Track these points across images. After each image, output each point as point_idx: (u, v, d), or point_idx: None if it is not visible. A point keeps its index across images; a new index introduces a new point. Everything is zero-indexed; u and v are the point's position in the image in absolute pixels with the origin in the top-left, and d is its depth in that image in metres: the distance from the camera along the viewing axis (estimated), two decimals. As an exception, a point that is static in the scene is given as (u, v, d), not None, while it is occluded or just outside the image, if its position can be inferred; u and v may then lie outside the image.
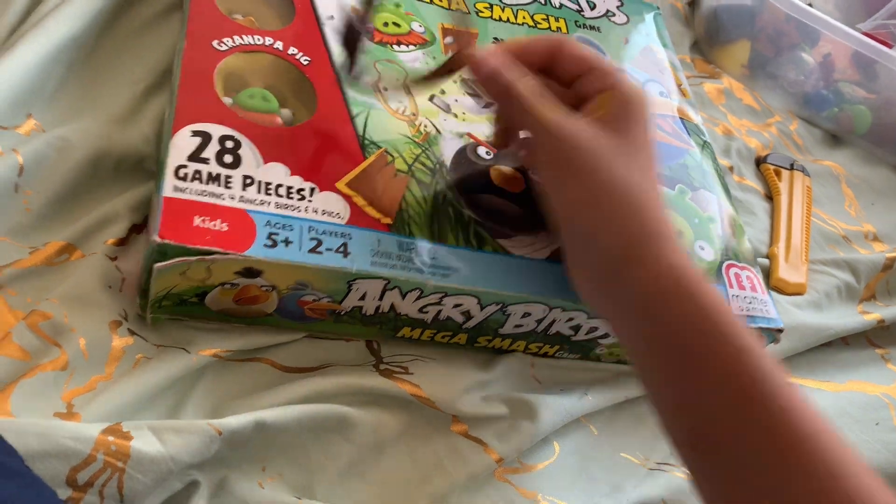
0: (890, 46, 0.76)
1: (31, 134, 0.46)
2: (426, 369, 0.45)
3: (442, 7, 0.57)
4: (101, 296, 0.41)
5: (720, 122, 0.73)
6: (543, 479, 0.46)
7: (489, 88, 0.41)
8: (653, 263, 0.36)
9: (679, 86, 0.63)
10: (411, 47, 0.54)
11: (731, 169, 0.70)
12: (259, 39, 0.48)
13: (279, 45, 0.49)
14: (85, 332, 0.40)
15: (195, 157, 0.41)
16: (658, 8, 0.70)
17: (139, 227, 0.45)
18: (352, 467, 0.42)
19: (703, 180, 0.56)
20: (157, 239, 0.38)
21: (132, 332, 0.41)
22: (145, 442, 0.36)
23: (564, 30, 0.61)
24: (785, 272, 0.64)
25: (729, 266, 0.51)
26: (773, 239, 0.67)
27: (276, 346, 0.44)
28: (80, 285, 0.41)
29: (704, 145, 0.59)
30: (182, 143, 0.42)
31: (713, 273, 0.51)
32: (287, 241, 0.40)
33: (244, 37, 0.48)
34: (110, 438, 0.36)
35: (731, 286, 0.50)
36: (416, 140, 0.48)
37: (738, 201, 0.66)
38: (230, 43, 0.47)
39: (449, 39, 0.56)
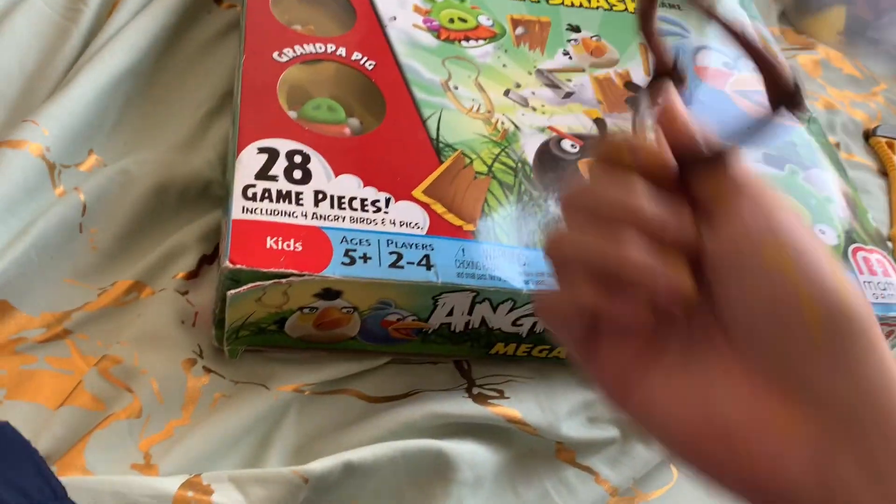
0: None
1: (92, 170, 0.44)
2: (523, 391, 0.41)
3: (509, -2, 0.53)
4: (173, 333, 0.39)
5: (820, 95, 0.67)
6: (664, 506, 0.41)
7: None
8: None
9: (774, 58, 0.58)
10: (480, 42, 0.50)
11: (837, 146, 0.64)
12: (321, 47, 0.46)
13: (342, 51, 0.46)
14: (157, 374, 0.37)
15: (263, 174, 0.38)
16: (740, -21, 0.64)
17: (210, 258, 0.43)
18: (451, 507, 0.37)
19: (813, 158, 0.51)
20: (229, 265, 0.35)
21: (208, 370, 0.38)
22: (227, 496, 0.33)
23: (642, 10, 0.56)
24: (913, 254, 0.57)
25: (856, 250, 0.46)
26: (893, 219, 0.60)
27: (360, 375, 0.41)
28: (151, 324, 0.39)
29: (810, 121, 0.54)
30: (248, 162, 0.39)
31: (839, 257, 0.45)
32: (365, 258, 0.37)
33: (305, 46, 0.45)
34: (189, 494, 0.33)
35: (861, 272, 0.45)
36: (494, 139, 0.44)
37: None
38: (291, 53, 0.45)
39: (520, 30, 0.52)
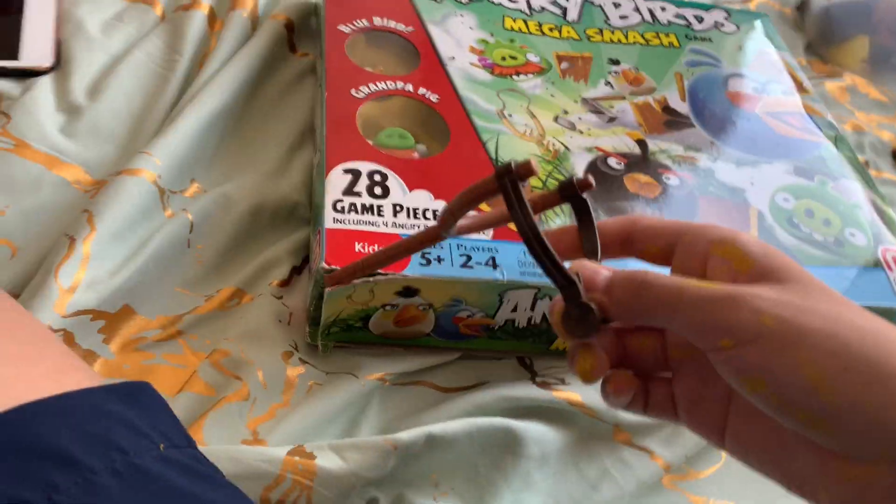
0: None
1: (194, 196, 0.51)
2: (583, 379, 0.45)
3: (553, 38, 0.59)
4: (272, 331, 0.44)
5: (847, 119, 0.71)
6: (712, 485, 0.45)
7: (621, 305, 0.29)
8: None
9: (800, 83, 0.62)
10: (530, 76, 0.56)
11: (866, 164, 0.68)
12: (391, 84, 0.52)
13: (409, 87, 0.52)
14: (262, 364, 0.43)
15: (349, 191, 0.44)
16: (766, 14, 0.70)
17: (299, 269, 0.48)
18: (520, 479, 0.42)
19: (841, 170, 0.55)
20: (325, 265, 0.40)
21: (303, 361, 0.44)
22: (328, 460, 0.38)
23: (676, 44, 0.62)
24: (944, 261, 0.60)
25: (885, 250, 0.50)
26: (924, 229, 0.64)
27: (432, 368, 0.46)
28: (252, 324, 0.45)
29: (837, 138, 0.58)
30: (336, 181, 0.45)
31: (870, 259, 0.49)
32: (439, 259, 0.42)
33: (378, 83, 0.51)
34: (296, 459, 0.38)
35: (891, 269, 0.48)
36: (547, 158, 0.50)
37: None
38: (366, 90, 0.51)
39: (565, 65, 0.57)
